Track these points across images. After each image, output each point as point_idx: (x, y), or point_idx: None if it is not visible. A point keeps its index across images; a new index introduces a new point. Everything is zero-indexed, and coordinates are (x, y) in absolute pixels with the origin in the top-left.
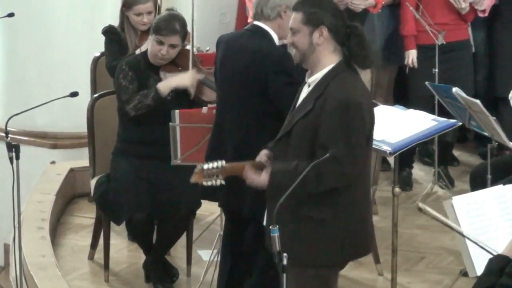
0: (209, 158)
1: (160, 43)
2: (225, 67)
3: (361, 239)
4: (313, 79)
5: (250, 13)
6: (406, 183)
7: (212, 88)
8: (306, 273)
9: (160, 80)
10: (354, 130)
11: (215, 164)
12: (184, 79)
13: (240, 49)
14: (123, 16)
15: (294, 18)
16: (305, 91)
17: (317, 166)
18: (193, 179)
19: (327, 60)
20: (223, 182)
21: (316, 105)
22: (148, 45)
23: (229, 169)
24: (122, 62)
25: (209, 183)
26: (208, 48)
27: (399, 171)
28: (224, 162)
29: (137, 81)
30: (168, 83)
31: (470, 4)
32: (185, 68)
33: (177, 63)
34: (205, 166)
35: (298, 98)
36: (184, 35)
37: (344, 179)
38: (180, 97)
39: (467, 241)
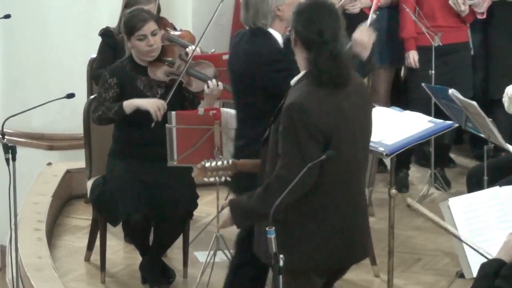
0: None
1: (143, 37)
2: (230, 68)
3: (330, 251)
4: (292, 82)
5: None
6: (402, 184)
7: (200, 79)
8: (284, 280)
9: (147, 80)
10: (292, 133)
11: (219, 162)
12: (148, 103)
13: (240, 53)
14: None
15: None
16: None
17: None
18: (194, 173)
19: (301, 64)
20: (228, 178)
21: (280, 110)
22: (132, 51)
23: (240, 164)
24: (106, 69)
25: (211, 179)
26: (213, 50)
27: (396, 172)
28: (230, 160)
29: (119, 87)
30: (132, 102)
31: (469, 6)
32: (170, 63)
33: (163, 60)
34: (207, 164)
35: None
36: (156, 19)
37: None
38: (173, 96)
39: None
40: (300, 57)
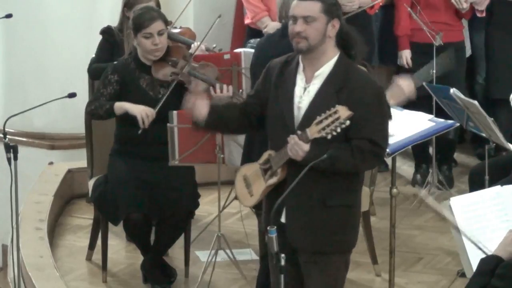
0: None
1: (149, 35)
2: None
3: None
4: (320, 72)
5: (248, 13)
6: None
7: (202, 80)
8: (332, 260)
9: (150, 80)
10: (387, 116)
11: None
12: (137, 108)
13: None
14: (124, 17)
15: (310, 6)
16: (301, 84)
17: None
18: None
19: (330, 52)
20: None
21: (340, 98)
22: (137, 49)
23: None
24: (109, 66)
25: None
26: (214, 45)
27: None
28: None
29: (119, 84)
30: (123, 106)
31: (470, 3)
32: (174, 63)
33: (167, 60)
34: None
35: (291, 89)
36: (165, 20)
37: (379, 161)
38: (174, 96)
39: (465, 240)
40: (332, 45)
